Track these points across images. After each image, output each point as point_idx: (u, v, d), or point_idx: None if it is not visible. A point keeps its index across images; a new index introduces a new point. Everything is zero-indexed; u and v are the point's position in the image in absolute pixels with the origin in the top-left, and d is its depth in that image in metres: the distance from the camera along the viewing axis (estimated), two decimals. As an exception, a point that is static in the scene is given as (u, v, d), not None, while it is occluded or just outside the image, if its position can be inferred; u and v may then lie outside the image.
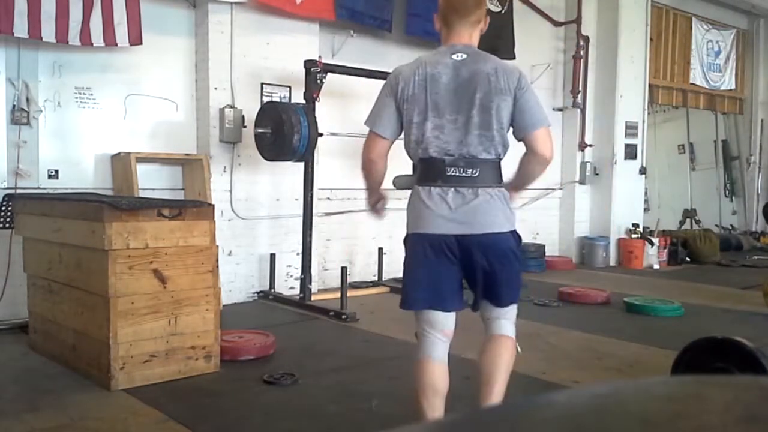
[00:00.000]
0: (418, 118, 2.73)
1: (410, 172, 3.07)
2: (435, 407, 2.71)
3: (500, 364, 2.81)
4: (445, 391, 2.76)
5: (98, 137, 5.72)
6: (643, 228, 9.42)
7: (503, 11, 8.11)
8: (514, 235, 2.83)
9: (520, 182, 2.93)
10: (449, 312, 2.78)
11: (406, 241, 2.87)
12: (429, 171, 2.74)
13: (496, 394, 2.75)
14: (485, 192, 2.71)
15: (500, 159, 2.78)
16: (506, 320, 2.91)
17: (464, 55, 2.73)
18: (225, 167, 6.21)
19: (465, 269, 2.75)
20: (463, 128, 2.69)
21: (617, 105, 9.23)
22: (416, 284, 2.78)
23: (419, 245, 2.76)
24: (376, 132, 2.87)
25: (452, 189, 2.69)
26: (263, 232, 6.47)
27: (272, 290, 6.36)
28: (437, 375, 2.74)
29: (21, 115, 5.26)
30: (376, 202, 3.12)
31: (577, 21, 9.06)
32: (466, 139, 2.69)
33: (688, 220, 11.42)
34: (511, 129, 2.78)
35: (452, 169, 2.69)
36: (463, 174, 2.69)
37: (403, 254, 2.88)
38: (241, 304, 6.24)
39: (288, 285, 6.52)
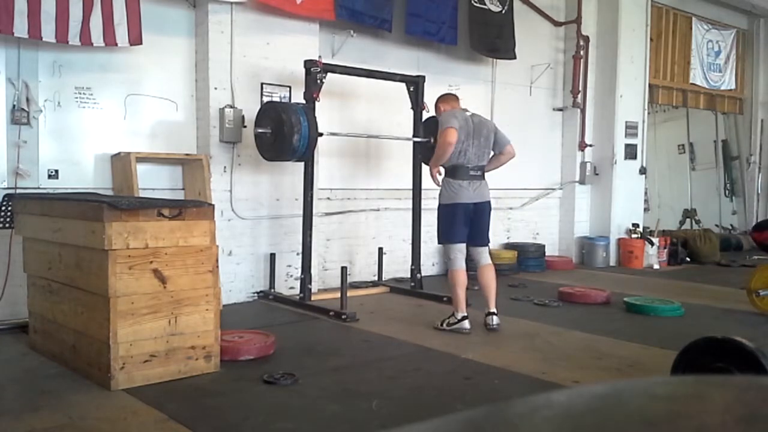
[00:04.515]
0: (459, 139, 5.14)
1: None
2: (463, 293, 5.22)
3: (492, 280, 5.34)
4: (466, 284, 5.27)
5: (98, 137, 5.72)
6: (643, 228, 9.42)
7: (503, 11, 8.11)
8: (490, 202, 5.41)
9: (493, 168, 5.49)
10: (465, 243, 5.30)
11: (444, 207, 5.27)
12: (460, 171, 5.22)
13: (493, 295, 5.31)
14: (483, 182, 5.34)
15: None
16: (485, 254, 5.45)
17: (470, 113, 5.40)
18: (225, 167, 6.21)
19: (471, 221, 5.26)
20: (477, 149, 5.26)
21: (617, 105, 9.23)
22: (456, 229, 5.22)
23: (457, 208, 5.20)
24: (454, 126, 5.11)
25: (469, 181, 5.22)
26: (263, 232, 6.48)
27: (272, 290, 6.36)
28: (464, 276, 5.26)
29: (21, 115, 5.26)
30: (438, 173, 5.36)
31: (577, 21, 9.06)
32: (478, 156, 5.27)
33: (688, 220, 11.41)
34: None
35: (471, 171, 5.23)
36: (475, 174, 5.26)
37: (439, 216, 5.33)
38: (241, 304, 6.24)
39: (288, 285, 6.52)
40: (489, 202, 5.37)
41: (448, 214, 5.23)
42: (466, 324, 5.18)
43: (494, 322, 5.27)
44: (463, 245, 5.29)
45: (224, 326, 4.34)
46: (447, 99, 5.60)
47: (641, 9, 9.43)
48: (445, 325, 5.25)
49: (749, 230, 6.54)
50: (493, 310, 5.31)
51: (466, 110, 5.40)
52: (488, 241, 5.52)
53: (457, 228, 5.21)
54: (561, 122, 9.41)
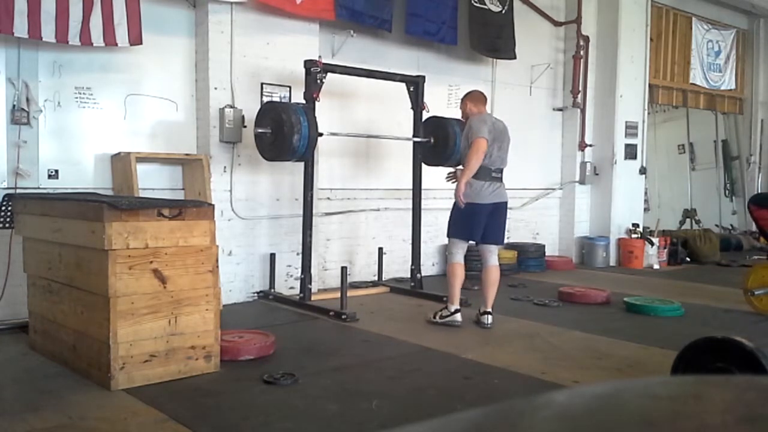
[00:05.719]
0: (489, 144, 5.25)
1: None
2: (459, 286, 5.40)
3: (495, 281, 5.44)
4: (463, 278, 5.50)
5: (98, 137, 5.72)
6: (643, 228, 9.42)
7: (503, 11, 8.10)
8: (507, 203, 5.52)
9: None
10: (472, 241, 5.49)
11: (462, 206, 5.26)
12: (482, 172, 5.26)
13: (492, 295, 5.42)
14: (502, 183, 5.43)
15: None
16: (495, 255, 5.52)
17: (495, 118, 5.55)
18: (225, 167, 6.20)
19: (487, 220, 5.34)
20: (500, 152, 5.38)
21: (617, 105, 9.23)
22: (468, 228, 5.34)
23: (475, 208, 5.28)
24: (486, 137, 5.20)
25: (490, 182, 5.31)
26: (263, 232, 6.47)
27: (272, 290, 6.36)
28: (462, 270, 5.48)
29: (21, 115, 5.26)
30: (453, 179, 5.59)
31: (577, 21, 9.06)
32: (500, 158, 5.39)
33: (688, 220, 11.41)
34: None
35: (493, 173, 5.34)
36: (496, 176, 5.38)
37: (455, 211, 5.39)
38: (241, 304, 6.24)
39: (288, 285, 6.52)
40: (506, 203, 5.48)
41: (464, 212, 5.30)
42: (458, 317, 5.35)
43: (488, 321, 5.37)
44: (466, 243, 5.46)
45: (224, 326, 4.34)
46: (476, 100, 5.55)
47: (641, 9, 9.43)
48: (437, 317, 5.41)
49: (747, 201, 6.50)
50: (489, 309, 5.40)
51: (491, 115, 5.61)
52: (502, 241, 5.65)
53: (470, 227, 5.33)
54: (561, 122, 9.41)
